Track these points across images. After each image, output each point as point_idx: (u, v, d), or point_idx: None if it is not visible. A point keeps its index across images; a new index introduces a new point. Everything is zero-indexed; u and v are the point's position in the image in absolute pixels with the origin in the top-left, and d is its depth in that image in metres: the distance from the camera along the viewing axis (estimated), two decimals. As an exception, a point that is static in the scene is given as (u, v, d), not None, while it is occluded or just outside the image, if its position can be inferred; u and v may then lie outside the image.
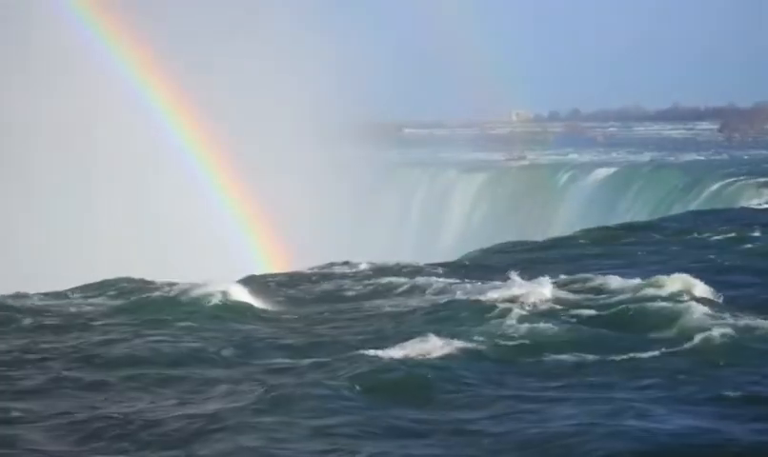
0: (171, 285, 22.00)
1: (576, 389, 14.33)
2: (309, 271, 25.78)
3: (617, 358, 15.88)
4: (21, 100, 51.01)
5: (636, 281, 20.57)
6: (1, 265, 42.14)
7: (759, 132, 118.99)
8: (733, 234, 30.47)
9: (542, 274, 21.99)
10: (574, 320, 18.31)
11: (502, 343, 16.77)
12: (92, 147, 52.89)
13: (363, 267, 25.69)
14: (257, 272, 26.93)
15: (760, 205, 44.21)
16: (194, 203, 52.07)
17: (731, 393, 13.89)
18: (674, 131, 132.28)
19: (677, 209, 50.55)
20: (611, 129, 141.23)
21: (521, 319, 18.07)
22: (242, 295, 21.16)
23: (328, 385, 14.42)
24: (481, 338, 16.94)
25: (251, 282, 23.43)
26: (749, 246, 28.56)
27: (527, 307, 19.05)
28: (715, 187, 55.62)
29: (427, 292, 21.70)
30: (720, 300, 19.57)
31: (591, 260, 26.58)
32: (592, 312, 18.85)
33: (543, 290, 20.36)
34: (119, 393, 14.65)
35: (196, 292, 21.02)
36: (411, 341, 16.64)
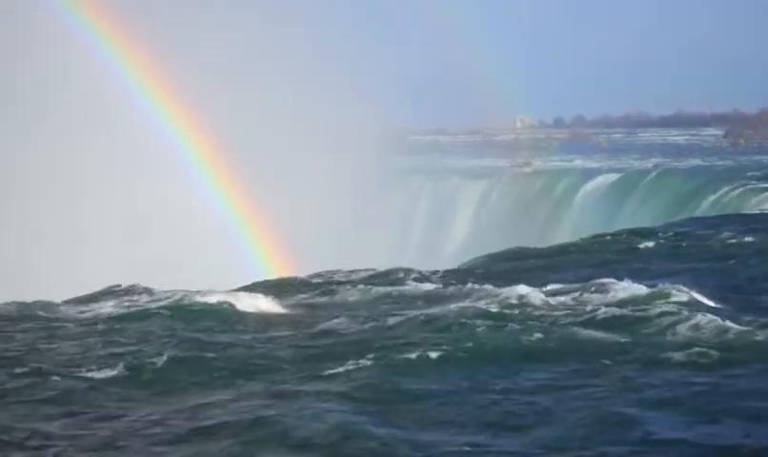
0: (179, 292, 21.95)
1: (574, 397, 14.27)
2: (312, 277, 25.72)
3: (620, 365, 15.82)
4: (19, 103, 51.12)
5: (641, 287, 20.52)
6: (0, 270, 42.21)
7: (764, 138, 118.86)
8: (738, 240, 30.40)
9: (546, 281, 21.96)
10: (577, 327, 18.23)
11: (503, 350, 16.73)
12: (92, 148, 52.94)
13: (367, 273, 25.63)
14: (261, 278, 26.89)
15: (765, 210, 44.15)
16: (198, 209, 52.08)
17: (731, 401, 13.82)
18: (678, 137, 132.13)
19: (681, 215, 50.46)
20: (615, 135, 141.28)
21: (525, 326, 18.02)
22: (249, 302, 21.16)
23: (328, 393, 14.39)
24: (482, 345, 16.91)
25: (255, 288, 23.41)
26: (754, 251, 28.47)
27: (531, 314, 19.02)
28: (720, 192, 55.56)
29: (430, 299, 21.65)
30: (725, 306, 19.50)
31: (595, 267, 26.49)
32: (595, 320, 18.77)
33: (546, 297, 20.33)
34: (138, 401, 14.64)
35: (204, 299, 21.00)
36: (413, 348, 16.62)
